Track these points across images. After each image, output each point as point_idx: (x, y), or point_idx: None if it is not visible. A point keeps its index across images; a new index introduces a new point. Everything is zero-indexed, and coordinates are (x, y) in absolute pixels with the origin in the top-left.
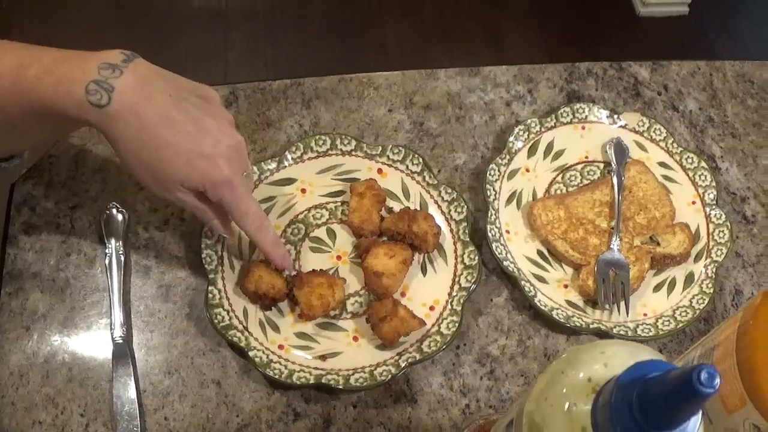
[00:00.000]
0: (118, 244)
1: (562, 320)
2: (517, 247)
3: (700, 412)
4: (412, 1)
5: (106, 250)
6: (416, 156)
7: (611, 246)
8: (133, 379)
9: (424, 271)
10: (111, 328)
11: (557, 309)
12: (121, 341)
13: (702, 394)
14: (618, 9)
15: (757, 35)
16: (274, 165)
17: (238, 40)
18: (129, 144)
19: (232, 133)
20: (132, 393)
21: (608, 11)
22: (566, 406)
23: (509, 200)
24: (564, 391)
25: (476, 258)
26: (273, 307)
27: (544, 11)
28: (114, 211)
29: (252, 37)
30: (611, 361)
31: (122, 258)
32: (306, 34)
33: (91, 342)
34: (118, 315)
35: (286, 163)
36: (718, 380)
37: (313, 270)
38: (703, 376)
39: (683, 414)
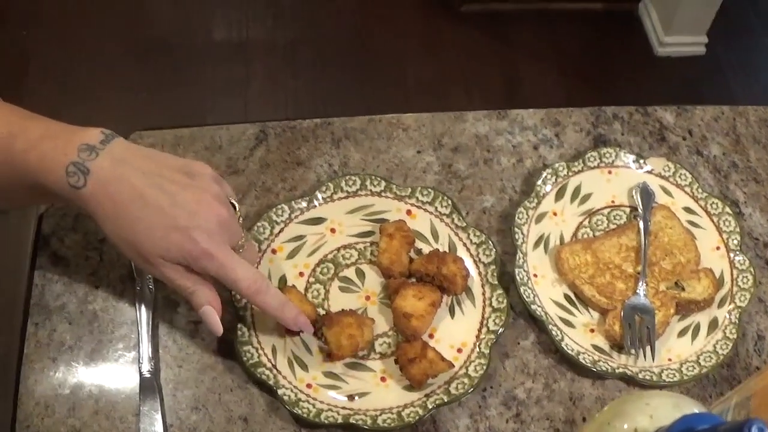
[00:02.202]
0: (147, 278)
1: (588, 365)
2: (545, 291)
3: None
4: (432, 42)
5: (136, 284)
6: (445, 198)
7: (637, 291)
8: (160, 413)
9: (452, 313)
10: (139, 362)
11: (584, 353)
12: (148, 375)
13: None
14: (635, 50)
15: None
16: (304, 204)
17: (258, 73)
18: (106, 222)
19: (214, 206)
20: (159, 428)
21: (626, 52)
22: None
23: (537, 244)
24: None
25: (504, 301)
26: (301, 337)
27: (561, 52)
28: None
29: (273, 71)
30: (656, 413)
31: (151, 292)
32: (326, 68)
33: (118, 375)
34: (146, 349)
35: (316, 203)
36: None
37: (343, 310)
38: (755, 431)
39: None
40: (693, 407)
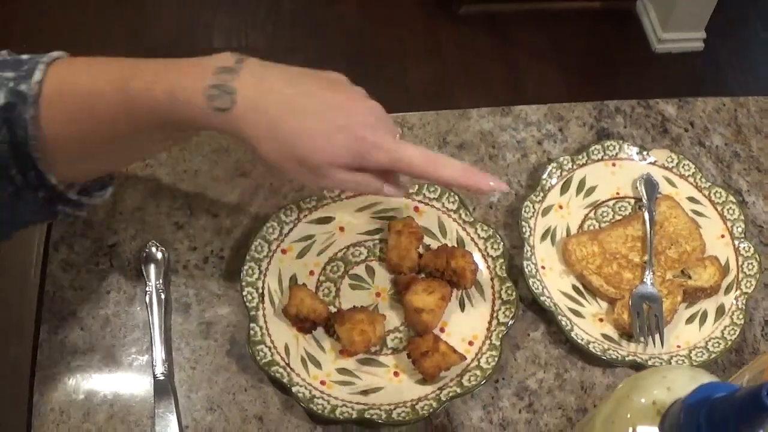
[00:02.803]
0: (158, 282)
1: (598, 353)
2: (553, 283)
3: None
4: (432, 44)
5: (147, 288)
6: (452, 194)
7: (644, 280)
8: (175, 415)
9: (462, 307)
10: (152, 365)
11: (593, 342)
12: (162, 378)
13: None
14: (634, 46)
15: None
16: (313, 204)
17: None
18: (263, 141)
19: (367, 101)
20: (174, 429)
21: (624, 49)
22: (633, 428)
23: (544, 236)
24: (629, 414)
25: (514, 293)
26: (313, 335)
27: (560, 51)
28: (153, 249)
29: None
30: (674, 385)
31: (162, 296)
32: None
33: (132, 379)
34: (159, 352)
35: (324, 202)
36: None
37: (354, 306)
38: None
39: (752, 430)
40: (709, 379)
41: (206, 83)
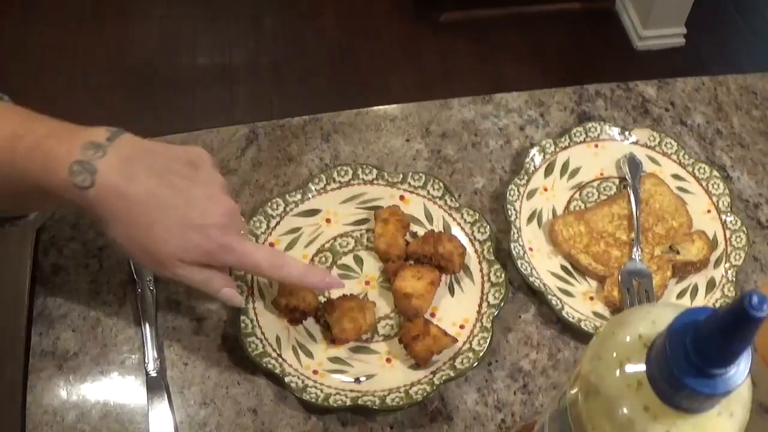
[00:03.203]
0: (148, 280)
1: (590, 331)
2: (541, 263)
3: (751, 349)
4: (413, 52)
5: (137, 287)
6: (437, 181)
7: (633, 256)
8: (169, 411)
9: (451, 291)
10: (145, 363)
11: (585, 320)
12: (155, 375)
13: (755, 318)
14: (615, 45)
15: (753, 61)
16: (298, 197)
17: (243, 95)
18: (117, 226)
19: (223, 199)
20: (169, 426)
21: (606, 48)
22: (620, 363)
23: (530, 219)
24: (616, 349)
25: (502, 275)
26: (304, 325)
27: (542, 53)
28: None
29: (257, 92)
30: (659, 319)
31: (153, 294)
32: (310, 87)
33: (124, 378)
34: (151, 349)
35: (310, 195)
36: (767, 304)
37: (344, 295)
38: (755, 300)
39: (738, 344)
40: None
41: (73, 158)
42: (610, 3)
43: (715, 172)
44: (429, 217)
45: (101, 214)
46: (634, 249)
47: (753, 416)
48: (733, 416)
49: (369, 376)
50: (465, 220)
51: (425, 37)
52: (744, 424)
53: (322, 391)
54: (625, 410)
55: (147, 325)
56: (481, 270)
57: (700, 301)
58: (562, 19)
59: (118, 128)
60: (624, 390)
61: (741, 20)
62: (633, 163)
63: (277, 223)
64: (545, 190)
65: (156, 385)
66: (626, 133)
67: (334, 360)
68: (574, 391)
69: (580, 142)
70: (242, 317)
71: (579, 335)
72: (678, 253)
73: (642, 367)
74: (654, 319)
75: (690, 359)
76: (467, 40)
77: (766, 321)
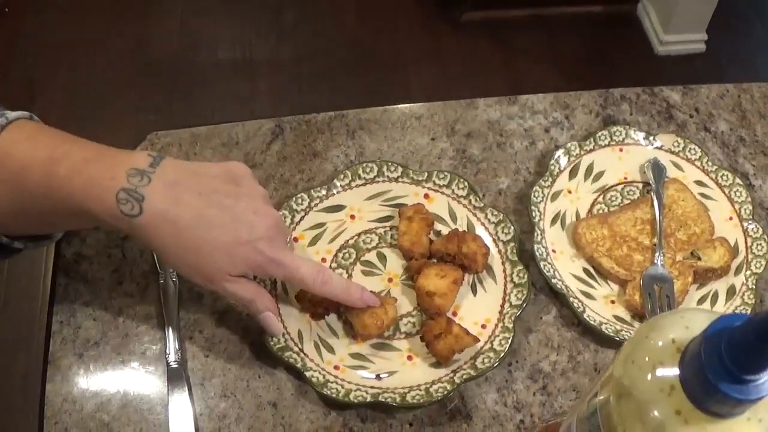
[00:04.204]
0: (171, 271)
1: (611, 334)
2: (564, 266)
3: None
4: (434, 51)
5: (159, 278)
6: (461, 180)
7: (655, 261)
8: (189, 402)
9: (474, 291)
10: (165, 354)
11: (606, 324)
12: (176, 366)
13: None
14: (635, 49)
15: None
16: (323, 192)
17: (264, 90)
18: (167, 249)
19: (268, 212)
20: (188, 417)
21: (626, 52)
22: (653, 367)
23: (554, 221)
24: (649, 353)
25: (525, 276)
26: (326, 321)
27: (563, 56)
28: None
29: (278, 87)
30: (692, 324)
31: (175, 285)
32: (330, 83)
33: (145, 368)
34: (172, 340)
35: (335, 191)
36: None
37: None
38: None
39: None
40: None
41: (119, 186)
42: (632, 7)
43: (737, 180)
44: (453, 216)
45: (150, 239)
46: (657, 254)
47: None
48: (762, 422)
49: (390, 373)
50: (489, 220)
51: (446, 36)
52: None
53: (342, 386)
54: (656, 413)
55: (169, 316)
56: (504, 270)
57: (720, 308)
58: (583, 21)
59: (158, 153)
60: (656, 394)
61: (761, 27)
62: (657, 168)
63: (302, 218)
64: (569, 192)
65: (176, 376)
66: (651, 138)
67: (356, 356)
68: (605, 394)
69: (605, 146)
70: None
71: (599, 338)
72: (699, 259)
73: (675, 372)
74: (687, 324)
75: (725, 365)
76: (488, 40)
77: None
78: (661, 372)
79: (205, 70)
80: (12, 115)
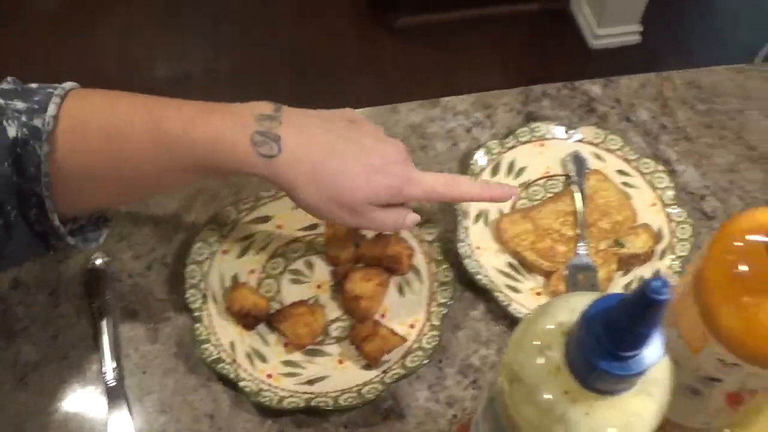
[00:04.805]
0: (105, 292)
1: None
2: (489, 262)
3: (660, 332)
4: (370, 54)
5: (94, 300)
6: None
7: (578, 252)
8: (128, 420)
9: (401, 292)
10: (103, 373)
11: None
12: (114, 384)
13: (657, 302)
14: (571, 45)
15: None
16: (250, 204)
17: None
18: (306, 186)
19: (391, 140)
20: None
21: (562, 48)
22: (540, 351)
23: (477, 218)
24: (537, 337)
25: (450, 275)
26: (257, 331)
27: (500, 55)
28: (98, 261)
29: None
30: (577, 307)
31: (110, 305)
32: (269, 92)
33: (85, 387)
34: (109, 360)
35: (261, 202)
36: (668, 288)
37: (293, 302)
38: (656, 285)
39: (645, 328)
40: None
41: (252, 130)
42: (565, 3)
43: (659, 166)
44: None
45: (288, 180)
46: (580, 244)
47: (681, 398)
48: (652, 396)
49: (322, 378)
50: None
51: (382, 42)
52: (664, 403)
53: (276, 394)
54: (545, 395)
55: (105, 336)
56: (430, 270)
57: None
58: (519, 20)
59: (272, 102)
60: (544, 376)
61: (696, 15)
62: (578, 160)
63: (230, 231)
64: None
65: (115, 395)
66: (571, 131)
67: (288, 363)
68: (500, 380)
69: (526, 142)
70: (197, 325)
71: None
72: (623, 246)
73: (560, 354)
74: (573, 308)
75: (602, 343)
76: (424, 43)
77: (688, 306)
78: (548, 354)
79: (144, 86)
80: (68, 85)
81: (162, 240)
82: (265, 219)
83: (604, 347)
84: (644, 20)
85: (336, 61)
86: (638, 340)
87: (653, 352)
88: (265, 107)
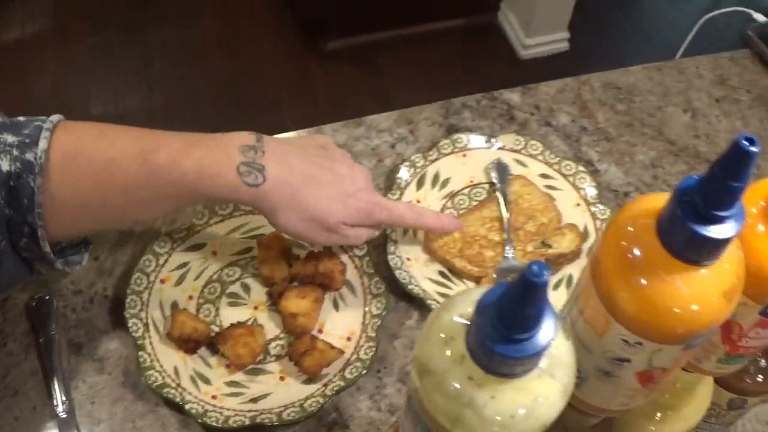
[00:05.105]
0: (50, 327)
1: None
2: (420, 272)
3: (554, 317)
4: (301, 81)
5: (40, 335)
6: None
7: (506, 255)
8: None
9: (336, 307)
10: (54, 406)
11: None
12: (65, 416)
13: (537, 284)
14: (501, 57)
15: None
16: (184, 233)
17: None
18: (288, 211)
19: (360, 167)
20: None
21: (492, 60)
22: (444, 341)
23: (406, 231)
24: (442, 329)
25: (382, 287)
26: (199, 354)
27: (430, 71)
28: (41, 298)
29: None
30: (477, 299)
31: (56, 339)
32: (204, 125)
33: (38, 422)
34: (59, 393)
35: (195, 230)
36: (546, 271)
37: (231, 324)
38: (535, 269)
39: (532, 310)
40: None
41: (237, 161)
42: (492, 16)
43: (581, 167)
44: None
45: (271, 205)
46: (507, 248)
47: (597, 382)
48: (555, 378)
49: (265, 396)
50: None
51: (313, 68)
52: (568, 385)
53: (222, 414)
54: (452, 383)
55: (53, 370)
56: (363, 284)
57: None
58: (447, 36)
59: (255, 132)
60: (450, 365)
61: (623, 18)
62: (500, 167)
63: (166, 260)
64: (418, 201)
65: (66, 426)
66: (492, 140)
67: (231, 384)
68: (412, 374)
69: (449, 153)
70: (140, 353)
71: None
72: (550, 247)
73: (462, 342)
74: (473, 299)
75: (497, 328)
76: (355, 65)
77: (589, 293)
78: (452, 345)
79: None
80: (55, 118)
81: (102, 274)
82: (200, 246)
83: (498, 332)
84: (571, 27)
85: (268, 91)
86: (528, 322)
87: (545, 334)
88: (247, 138)
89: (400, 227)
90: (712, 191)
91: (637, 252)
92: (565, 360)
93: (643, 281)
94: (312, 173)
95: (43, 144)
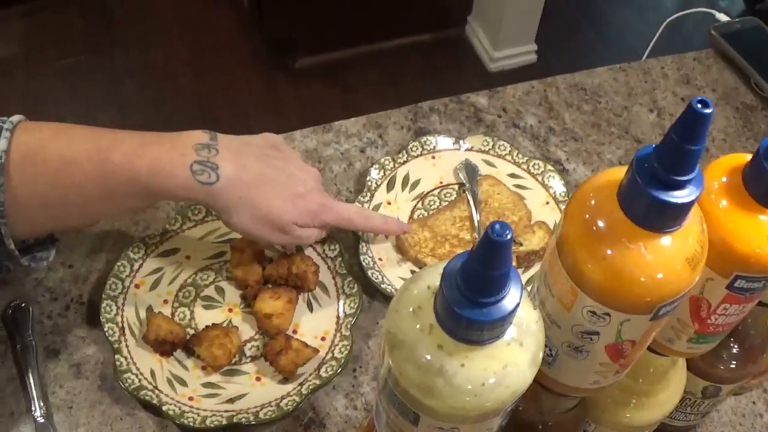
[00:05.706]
0: (27, 334)
1: None
2: (392, 272)
3: (519, 282)
4: (270, 99)
5: (16, 342)
6: None
7: None
8: None
9: (310, 307)
10: (32, 411)
11: None
12: (43, 420)
13: (500, 243)
14: (469, 71)
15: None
16: (157, 239)
17: None
18: (240, 209)
19: (310, 168)
20: None
21: (460, 74)
22: (413, 312)
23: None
24: (410, 302)
25: (355, 287)
26: (175, 357)
27: (399, 87)
28: (17, 305)
29: None
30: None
31: (32, 346)
32: None
33: (15, 427)
34: (37, 398)
35: (168, 236)
36: (509, 230)
37: (206, 326)
38: (497, 228)
39: (496, 271)
40: None
41: (191, 159)
42: (459, 30)
43: (549, 166)
44: None
45: (224, 204)
46: None
47: (568, 359)
48: (524, 346)
49: (242, 396)
50: (315, 240)
51: (283, 85)
52: (537, 353)
53: (199, 414)
54: (423, 352)
55: (31, 376)
56: (336, 284)
57: None
58: (415, 51)
59: (209, 131)
60: (419, 335)
61: (589, 28)
62: (469, 168)
63: (140, 266)
64: (389, 203)
65: (45, 431)
66: (460, 141)
67: (207, 385)
68: (383, 347)
69: (418, 156)
70: (116, 356)
71: None
72: (521, 245)
73: (431, 311)
74: (440, 271)
75: (463, 293)
76: (324, 82)
77: (556, 269)
78: (420, 315)
79: None
80: (15, 118)
81: (77, 281)
82: (174, 251)
83: (464, 296)
84: (539, 39)
85: (238, 109)
86: (493, 285)
87: (512, 299)
88: (201, 137)
89: (347, 229)
90: (670, 156)
91: (600, 222)
92: (533, 328)
93: (608, 251)
94: (265, 173)
95: (2, 144)
